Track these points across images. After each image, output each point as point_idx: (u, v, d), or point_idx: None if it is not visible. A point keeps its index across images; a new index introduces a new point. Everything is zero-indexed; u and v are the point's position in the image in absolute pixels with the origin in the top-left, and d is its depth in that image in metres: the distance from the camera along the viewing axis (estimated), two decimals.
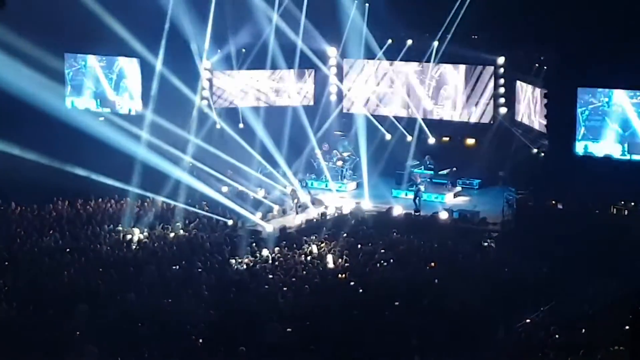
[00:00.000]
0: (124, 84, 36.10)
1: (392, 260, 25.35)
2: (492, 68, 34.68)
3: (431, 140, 35.72)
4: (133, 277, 23.52)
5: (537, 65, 31.96)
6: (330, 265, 24.99)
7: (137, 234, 27.71)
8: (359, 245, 26.87)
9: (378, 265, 24.87)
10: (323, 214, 31.12)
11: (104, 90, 36.54)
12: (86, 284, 22.91)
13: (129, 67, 35.77)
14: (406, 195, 33.40)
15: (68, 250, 25.66)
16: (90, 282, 22.97)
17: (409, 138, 35.99)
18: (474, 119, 35.41)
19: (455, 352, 21.54)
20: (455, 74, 35.53)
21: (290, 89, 37.17)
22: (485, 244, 27.78)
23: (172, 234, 28.06)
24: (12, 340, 20.68)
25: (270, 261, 25.38)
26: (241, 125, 36.32)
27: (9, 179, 31.84)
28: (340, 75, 37.47)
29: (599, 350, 18.19)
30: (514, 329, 21.13)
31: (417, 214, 31.29)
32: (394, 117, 36.49)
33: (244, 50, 35.61)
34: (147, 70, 34.95)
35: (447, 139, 35.64)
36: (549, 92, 30.71)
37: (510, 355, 18.54)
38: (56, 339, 19.89)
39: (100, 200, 31.23)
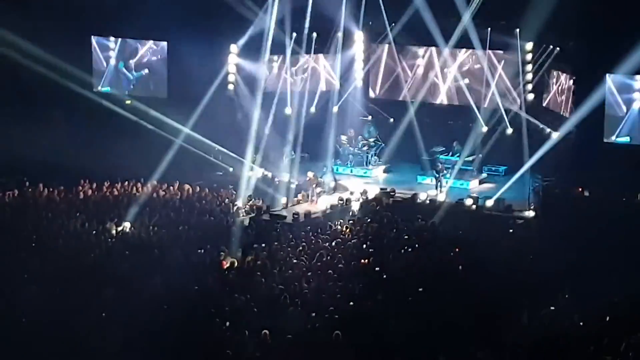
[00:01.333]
0: (149, 68, 36.21)
1: (416, 246, 25.36)
2: (519, 54, 34.46)
3: (451, 124, 35.63)
4: (158, 261, 23.68)
5: (565, 51, 31.76)
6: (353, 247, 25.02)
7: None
8: (381, 231, 26.89)
9: (402, 251, 24.88)
10: (347, 200, 31.15)
11: (130, 75, 36.68)
12: (112, 267, 23.10)
13: (156, 50, 35.85)
14: (431, 181, 33.34)
15: (94, 232, 25.86)
16: (115, 265, 23.16)
17: (428, 122, 35.80)
18: (501, 105, 35.23)
19: (479, 338, 21.60)
20: (481, 60, 35.36)
21: (317, 74, 37.14)
22: (511, 230, 27.72)
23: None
24: (39, 323, 20.93)
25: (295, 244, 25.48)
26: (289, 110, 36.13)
27: (36, 161, 32.18)
28: (366, 60, 37.45)
29: (623, 340, 18.13)
30: (538, 317, 21.11)
31: (441, 200, 31.13)
32: (419, 101, 36.38)
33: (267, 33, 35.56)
34: (174, 54, 35.03)
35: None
36: (577, 79, 30.51)
37: (533, 342, 18.51)
38: (82, 323, 20.09)
39: (126, 183, 31.45)
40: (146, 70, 36.15)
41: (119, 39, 36.38)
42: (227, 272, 23.21)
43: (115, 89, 36.71)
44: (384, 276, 22.92)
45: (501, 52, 34.85)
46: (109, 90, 36.63)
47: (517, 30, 33.63)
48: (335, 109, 37.12)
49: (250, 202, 30.62)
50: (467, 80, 35.82)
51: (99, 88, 36.72)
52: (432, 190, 32.32)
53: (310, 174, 31.51)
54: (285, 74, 36.61)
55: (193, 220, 27.87)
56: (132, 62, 36.46)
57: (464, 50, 35.33)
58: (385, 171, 35.90)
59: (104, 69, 36.71)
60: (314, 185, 31.46)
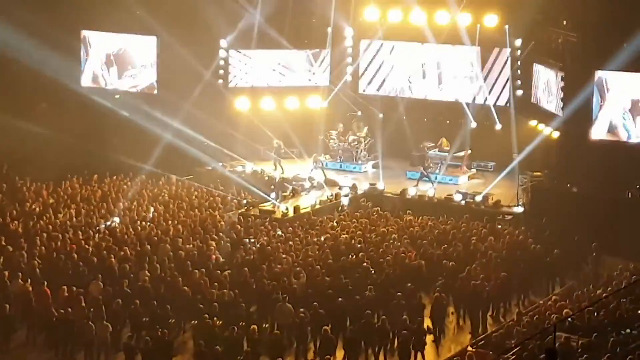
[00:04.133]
0: (138, 63, 36.01)
1: (406, 242, 25.35)
2: (509, 50, 34.44)
3: (440, 121, 35.63)
4: (148, 255, 23.59)
5: (554, 47, 31.73)
6: (344, 245, 24.97)
7: (151, 211, 27.81)
8: (372, 227, 26.86)
9: (391, 246, 24.87)
10: (337, 195, 31.08)
11: (119, 69, 36.45)
12: (100, 261, 23.00)
13: (145, 45, 35.66)
14: (421, 176, 33.28)
15: (82, 227, 25.74)
16: (104, 259, 23.05)
17: (417, 118, 35.80)
18: (490, 102, 35.19)
19: (467, 332, 21.65)
20: (470, 56, 35.32)
21: (304, 69, 37.04)
22: (499, 226, 27.71)
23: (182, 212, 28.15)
24: (27, 316, 20.86)
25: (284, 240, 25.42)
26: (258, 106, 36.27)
27: (24, 155, 32.03)
28: (356, 56, 37.34)
29: (611, 333, 18.16)
30: (527, 312, 21.16)
31: (431, 195, 31.07)
32: (410, 97, 36.35)
33: (257, 28, 35.42)
34: (164, 49, 34.85)
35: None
36: (566, 75, 30.48)
37: (521, 336, 18.55)
38: (70, 316, 20.01)
39: (115, 178, 31.32)
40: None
41: (109, 33, 36.14)
42: (216, 267, 23.13)
43: (102, 84, 36.48)
44: (373, 272, 22.90)
45: (490, 48, 34.77)
46: (96, 84, 36.39)
47: (507, 26, 33.61)
48: (324, 104, 37.01)
49: (240, 197, 30.53)
50: (456, 76, 35.73)
51: (87, 83, 36.47)
52: (421, 185, 32.26)
53: (278, 180, 30.93)
54: (275, 68, 36.49)
55: (182, 215, 27.78)
56: (119, 56, 36.25)
57: (454, 45, 35.23)
58: (374, 166, 35.80)
59: (92, 63, 36.47)
60: (280, 191, 30.91)
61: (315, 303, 20.46)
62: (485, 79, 35.20)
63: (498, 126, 34.62)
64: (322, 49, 36.79)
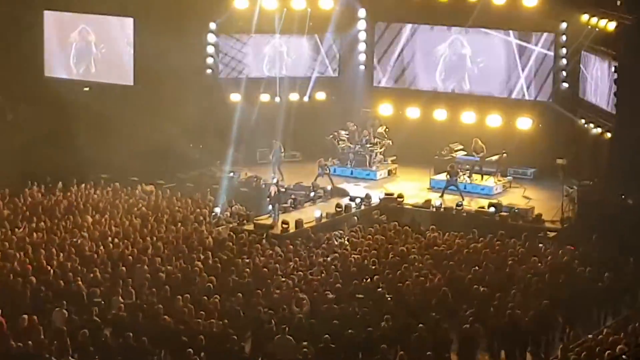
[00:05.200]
0: (112, 50, 36.02)
1: (429, 263, 25.26)
2: (552, 36, 34.35)
3: (470, 118, 35.57)
4: (122, 278, 23.51)
5: (606, 32, 31.62)
6: (356, 267, 24.90)
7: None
8: (389, 245, 26.79)
9: (411, 267, 24.77)
10: (347, 207, 31.01)
11: (88, 57, 36.46)
12: (66, 285, 22.92)
13: (120, 28, 35.66)
14: (447, 185, 33.20)
15: (44, 245, 25.69)
16: (70, 283, 22.98)
17: (442, 116, 35.83)
18: (529, 97, 35.12)
19: None
20: (505, 42, 35.26)
21: (309, 58, 37.04)
22: (541, 245, 27.60)
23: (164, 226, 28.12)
24: None
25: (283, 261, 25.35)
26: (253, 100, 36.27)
27: None
28: (370, 42, 37.32)
29: None
30: (574, 348, 21.02)
31: (459, 207, 31.11)
32: (434, 91, 36.33)
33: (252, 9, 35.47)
34: (141, 33, 34.86)
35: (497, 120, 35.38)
36: (619, 65, 30.36)
37: None
38: (30, 350, 19.92)
39: (83, 186, 31.28)
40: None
41: (77, 14, 36.16)
42: (203, 292, 23.04)
43: (69, 74, 36.52)
44: (390, 298, 22.81)
45: (530, 32, 34.72)
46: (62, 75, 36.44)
47: (549, 6, 33.51)
48: (333, 98, 36.95)
49: (232, 208, 30.47)
50: (489, 66, 35.68)
51: (51, 73, 36.49)
52: (447, 195, 32.20)
53: (272, 190, 30.58)
54: (274, 55, 36.49)
55: (162, 230, 27.73)
56: (89, 41, 36.29)
57: (486, 29, 35.19)
58: (392, 173, 35.73)
59: (57, 49, 36.48)
60: (277, 203, 30.39)
61: (321, 336, 20.35)
62: (523, 70, 35.15)
63: (539, 126, 34.58)
64: (330, 34, 36.80)
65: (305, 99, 36.91)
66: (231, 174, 33.68)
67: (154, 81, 34.25)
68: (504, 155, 34.41)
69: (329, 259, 25.73)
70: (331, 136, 36.01)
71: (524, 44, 35.13)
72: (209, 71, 35.85)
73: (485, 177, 34.16)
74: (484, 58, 35.75)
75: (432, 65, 36.53)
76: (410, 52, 36.77)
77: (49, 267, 23.91)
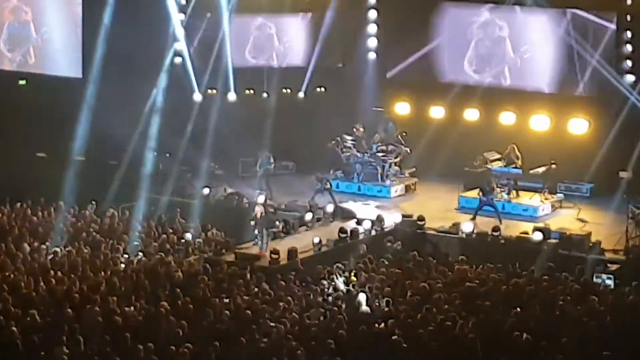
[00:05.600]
0: (54, 33, 36.11)
1: (457, 303, 25.29)
2: (616, 16, 34.42)
3: (520, 122, 35.66)
4: (67, 322, 23.54)
5: None
6: (364, 308, 24.95)
7: (72, 257, 27.78)
8: (407, 281, 26.83)
9: (435, 309, 24.80)
10: (353, 232, 31.05)
11: (25, 42, 36.55)
12: None
13: (65, 6, 35.76)
14: (481, 205, 33.28)
15: None
16: (2, 328, 22.99)
17: (478, 116, 35.92)
18: (584, 92, 35.16)
19: None
20: (557, 23, 35.35)
21: (306, 42, 37.16)
22: (600, 281, 27.63)
23: (125, 257, 28.15)
24: None
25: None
26: (232, 96, 36.39)
27: None
28: (383, 22, 37.44)
29: None
30: None
31: (496, 233, 31.16)
32: (464, 85, 36.40)
33: None
34: (91, 11, 34.95)
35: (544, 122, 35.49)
36: None
37: None
38: None
39: (19, 205, 31.33)
40: None
41: None
42: (170, 340, 23.06)
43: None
44: (407, 348, 22.85)
45: (584, 11, 34.81)
46: None
47: None
48: (335, 94, 37.00)
49: (208, 234, 30.51)
50: (533, 53, 35.78)
51: None
52: (481, 217, 32.27)
53: (258, 211, 30.61)
54: (261, 40, 36.57)
55: (119, 261, 27.76)
56: (26, 21, 36.40)
57: (528, 7, 35.28)
58: (410, 189, 35.76)
59: None
60: (264, 228, 30.46)
61: None
62: (577, 59, 35.20)
63: (597, 129, 34.63)
64: (332, 12, 36.88)
65: (301, 95, 36.95)
66: (206, 191, 33.71)
67: (108, 72, 34.29)
68: (553, 166, 34.46)
69: (330, 298, 25.76)
70: (333, 142, 36.09)
71: (577, 25, 35.19)
72: (177, 60, 35.88)
73: (529, 194, 34.21)
74: (527, 44, 35.79)
75: (461, 52, 36.58)
76: (434, 36, 36.85)
77: None
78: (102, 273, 26.68)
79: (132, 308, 24.58)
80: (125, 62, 33.89)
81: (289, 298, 25.55)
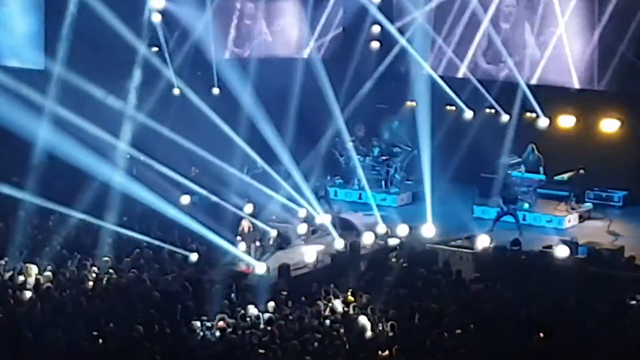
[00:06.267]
0: (12, 17, 36.18)
1: (471, 327, 25.32)
2: None
3: (543, 121, 35.71)
4: (27, 348, 23.57)
5: None
6: (367, 333, 24.99)
7: (33, 274, 27.80)
8: (414, 302, 26.87)
9: (446, 334, 24.85)
10: (353, 246, 31.07)
11: None
12: None
13: None
14: (499, 215, 33.33)
15: None
16: None
17: (505, 117, 36.00)
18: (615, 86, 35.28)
19: None
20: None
21: (298, 27, 37.26)
22: (634, 302, 27.68)
23: (93, 275, 28.15)
24: None
25: (262, 324, 25.41)
26: (216, 91, 36.42)
27: None
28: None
29: None
30: None
31: (516, 247, 31.20)
32: (478, 80, 36.50)
33: None
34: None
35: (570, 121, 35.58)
36: None
37: None
38: None
39: None
40: None
41: None
42: None
43: None
44: None
45: None
46: None
47: None
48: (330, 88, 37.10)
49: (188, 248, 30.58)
50: (559, 40, 35.90)
51: None
52: (499, 229, 32.33)
53: (245, 224, 31.08)
54: (247, 26, 36.64)
55: (89, 278, 27.83)
56: None
57: None
58: (417, 197, 35.80)
59: None
60: (253, 242, 31.03)
61: None
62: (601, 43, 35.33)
63: (631, 129, 34.73)
64: None
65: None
66: (186, 198, 33.74)
67: (74, 64, 34.31)
68: (581, 172, 34.51)
69: (327, 322, 25.79)
70: (330, 144, 36.12)
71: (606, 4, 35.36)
72: (153, 49, 35.91)
73: (554, 203, 34.28)
74: (552, 25, 35.86)
75: (479, 37, 36.65)
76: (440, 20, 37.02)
77: None
78: (67, 292, 26.71)
79: (100, 332, 24.61)
80: (95, 52, 33.91)
81: (280, 321, 25.59)
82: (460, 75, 37.11)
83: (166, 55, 36.34)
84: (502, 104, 36.35)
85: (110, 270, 28.53)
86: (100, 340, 24.19)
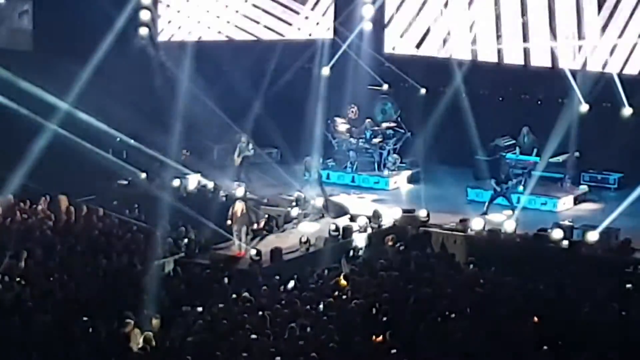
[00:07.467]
0: None
1: (466, 312, 25.30)
2: None
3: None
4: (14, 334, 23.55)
5: None
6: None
7: None
8: (408, 285, 26.84)
9: (439, 319, 24.82)
10: (346, 230, 31.06)
11: None
12: None
13: None
14: (493, 197, 33.32)
15: None
16: None
17: (485, 96, 36.04)
18: (614, 69, 35.18)
19: None
20: None
21: (291, 12, 37.20)
22: (629, 286, 27.66)
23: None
24: None
25: (254, 309, 25.38)
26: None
27: None
28: None
29: None
30: None
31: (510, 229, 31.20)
32: (473, 62, 36.45)
33: None
34: None
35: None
36: None
37: None
38: None
39: None
40: None
41: None
42: (135, 356, 23.06)
43: None
44: None
45: None
46: None
47: None
48: (325, 70, 37.00)
49: (179, 232, 30.51)
50: (553, 25, 35.79)
51: None
52: (495, 213, 32.30)
53: (238, 206, 30.92)
54: (239, 10, 36.59)
55: (76, 263, 27.76)
56: None
57: None
58: (411, 180, 35.80)
59: None
60: (245, 225, 30.78)
61: None
62: (602, 30, 35.24)
63: (627, 110, 34.66)
64: None
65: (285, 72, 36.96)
66: (176, 182, 33.70)
67: (63, 46, 34.25)
68: (576, 154, 34.48)
69: (319, 306, 25.75)
70: (322, 126, 36.08)
71: None
72: (143, 31, 35.83)
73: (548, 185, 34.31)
74: (545, 13, 35.81)
75: (471, 23, 36.60)
76: (437, 5, 36.88)
77: None
78: (56, 275, 26.65)
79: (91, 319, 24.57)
80: (83, 33, 33.87)
81: (273, 306, 25.54)
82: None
83: (158, 35, 36.25)
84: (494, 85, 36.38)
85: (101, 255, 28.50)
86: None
